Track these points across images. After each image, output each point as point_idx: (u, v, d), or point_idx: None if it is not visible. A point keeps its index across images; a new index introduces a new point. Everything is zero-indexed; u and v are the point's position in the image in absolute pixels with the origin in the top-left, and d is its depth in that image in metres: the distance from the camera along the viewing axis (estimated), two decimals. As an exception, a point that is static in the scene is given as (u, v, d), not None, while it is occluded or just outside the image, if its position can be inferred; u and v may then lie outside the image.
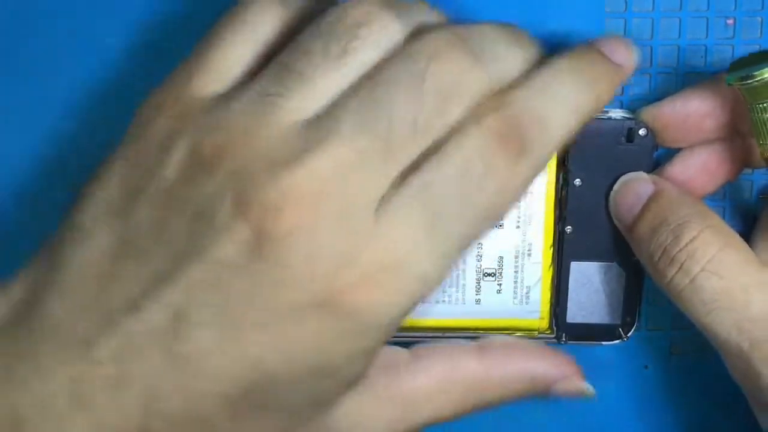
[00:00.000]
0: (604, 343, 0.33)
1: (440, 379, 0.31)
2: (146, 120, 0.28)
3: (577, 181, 0.29)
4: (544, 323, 0.33)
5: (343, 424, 0.29)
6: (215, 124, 0.26)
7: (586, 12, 0.32)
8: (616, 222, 0.31)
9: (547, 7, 0.32)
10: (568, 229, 0.32)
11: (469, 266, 0.32)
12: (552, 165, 0.31)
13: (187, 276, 0.25)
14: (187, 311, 0.25)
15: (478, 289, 0.32)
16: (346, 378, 0.28)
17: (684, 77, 0.32)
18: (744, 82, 0.28)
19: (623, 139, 0.31)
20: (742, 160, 0.31)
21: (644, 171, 0.31)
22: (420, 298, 0.26)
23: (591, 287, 0.32)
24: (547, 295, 0.33)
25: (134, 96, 0.32)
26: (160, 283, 0.25)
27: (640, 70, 0.32)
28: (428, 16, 0.28)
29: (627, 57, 0.29)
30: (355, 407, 0.29)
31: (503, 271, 0.32)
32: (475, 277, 0.32)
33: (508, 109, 0.26)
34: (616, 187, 0.31)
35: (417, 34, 0.27)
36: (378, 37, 0.26)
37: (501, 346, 0.31)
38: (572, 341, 0.33)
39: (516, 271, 0.32)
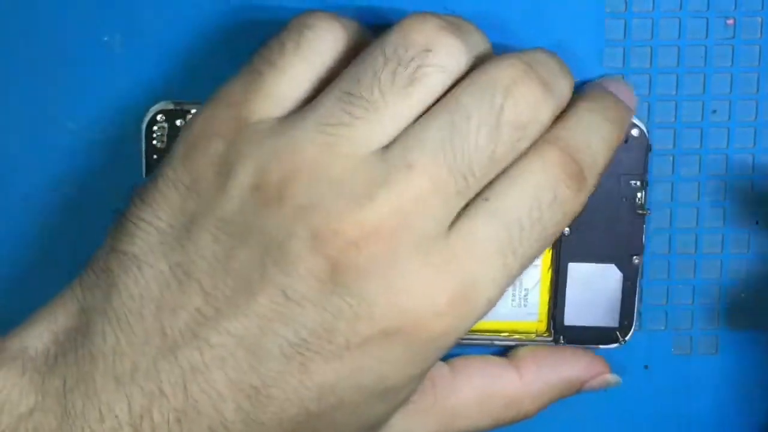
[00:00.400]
0: (601, 346, 0.33)
1: (480, 394, 0.31)
2: (198, 141, 0.27)
3: None
4: (542, 326, 0.33)
5: None
6: (280, 152, 0.25)
7: (586, 12, 0.32)
8: None
9: (548, 7, 0.32)
10: (566, 231, 0.32)
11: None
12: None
13: (256, 307, 0.25)
14: (256, 342, 0.25)
15: (477, 290, 0.32)
16: (402, 399, 0.28)
17: (684, 78, 0.32)
18: None
19: None
20: None
21: (638, 172, 0.31)
22: (480, 318, 0.27)
23: (588, 289, 0.32)
24: (546, 297, 0.33)
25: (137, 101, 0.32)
26: (225, 314, 0.25)
27: (640, 70, 0.32)
28: (478, 37, 0.28)
29: (630, 99, 0.30)
30: (401, 423, 0.29)
31: (502, 273, 0.32)
32: (474, 278, 0.32)
33: (562, 142, 0.27)
34: None
35: (480, 59, 0.27)
36: (446, 62, 0.26)
37: (533, 357, 0.32)
38: (570, 344, 0.33)
39: (514, 274, 0.32)
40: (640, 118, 0.31)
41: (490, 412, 0.31)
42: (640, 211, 0.32)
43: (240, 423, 0.25)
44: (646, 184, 0.32)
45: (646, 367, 0.34)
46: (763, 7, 0.31)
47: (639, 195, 0.32)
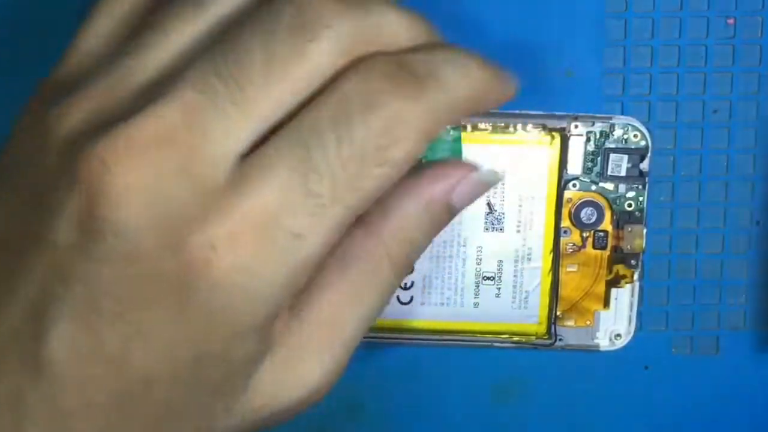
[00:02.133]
0: None
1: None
2: None
3: None
4: (542, 328, 0.33)
5: (269, 385, 0.24)
6: (64, 94, 0.23)
7: (586, 12, 0.32)
8: None
9: (548, 7, 0.32)
10: None
11: (468, 269, 0.32)
12: (554, 168, 0.31)
13: (33, 267, 0.22)
14: (40, 308, 0.21)
15: (477, 292, 0.32)
16: (242, 360, 0.23)
17: (684, 77, 0.32)
18: None
19: None
20: None
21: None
22: (303, 262, 0.22)
23: None
24: (546, 300, 0.33)
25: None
26: (14, 278, 0.22)
27: (640, 70, 0.32)
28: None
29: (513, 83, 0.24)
30: (274, 363, 0.24)
31: (502, 275, 0.32)
32: (474, 280, 0.32)
33: (399, 56, 0.23)
34: None
35: None
36: None
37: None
38: None
39: (515, 276, 0.32)
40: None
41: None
42: None
43: (41, 405, 0.22)
44: None
45: (646, 367, 0.34)
46: (763, 7, 0.32)
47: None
